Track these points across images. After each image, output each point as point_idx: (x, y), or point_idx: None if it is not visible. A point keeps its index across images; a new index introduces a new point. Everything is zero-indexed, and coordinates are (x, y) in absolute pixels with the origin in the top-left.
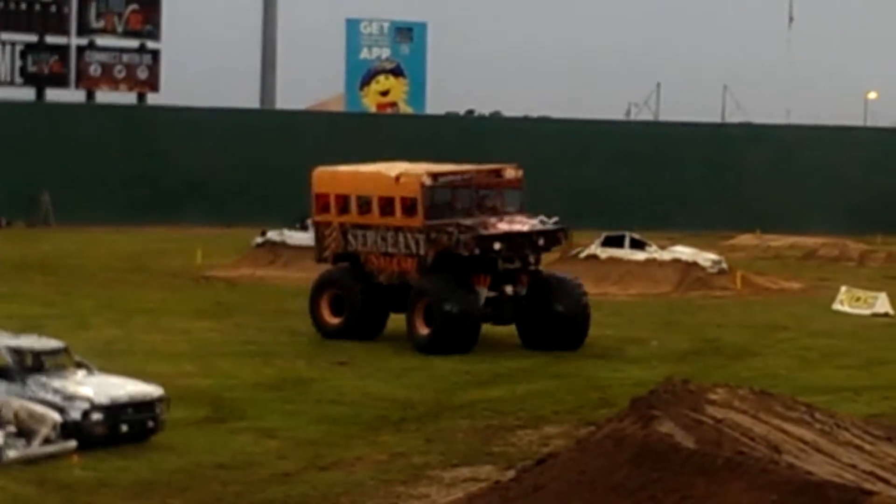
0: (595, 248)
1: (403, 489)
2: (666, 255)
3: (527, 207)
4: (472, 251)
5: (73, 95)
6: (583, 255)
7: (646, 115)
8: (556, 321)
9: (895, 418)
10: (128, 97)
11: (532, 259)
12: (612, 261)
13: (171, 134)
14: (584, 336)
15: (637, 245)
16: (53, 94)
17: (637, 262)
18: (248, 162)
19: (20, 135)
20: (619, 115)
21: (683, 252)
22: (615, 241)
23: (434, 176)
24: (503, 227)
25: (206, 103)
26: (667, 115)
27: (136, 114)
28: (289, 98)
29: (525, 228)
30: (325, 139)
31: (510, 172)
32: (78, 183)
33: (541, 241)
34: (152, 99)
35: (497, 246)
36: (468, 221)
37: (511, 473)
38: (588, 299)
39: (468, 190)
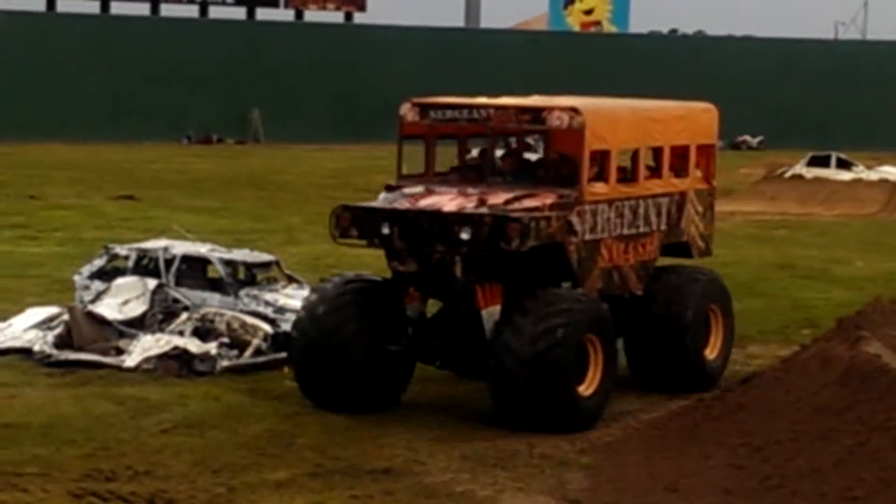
0: (800, 168)
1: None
2: (873, 176)
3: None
4: (347, 233)
5: (282, 14)
6: (788, 174)
7: (853, 34)
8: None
9: None
10: (335, 16)
11: (444, 258)
12: (818, 181)
13: (377, 53)
14: (527, 406)
15: (843, 165)
16: (263, 14)
17: (843, 182)
18: (452, 81)
19: (231, 54)
20: (825, 34)
21: (891, 172)
22: (821, 161)
23: (422, 108)
24: (426, 202)
25: (412, 22)
26: (874, 34)
27: (343, 33)
28: (493, 17)
29: (449, 208)
30: (528, 59)
31: (559, 116)
32: (286, 101)
33: (464, 234)
34: (359, 18)
35: (385, 230)
36: (419, 191)
37: (715, 392)
38: (555, 338)
39: (481, 138)
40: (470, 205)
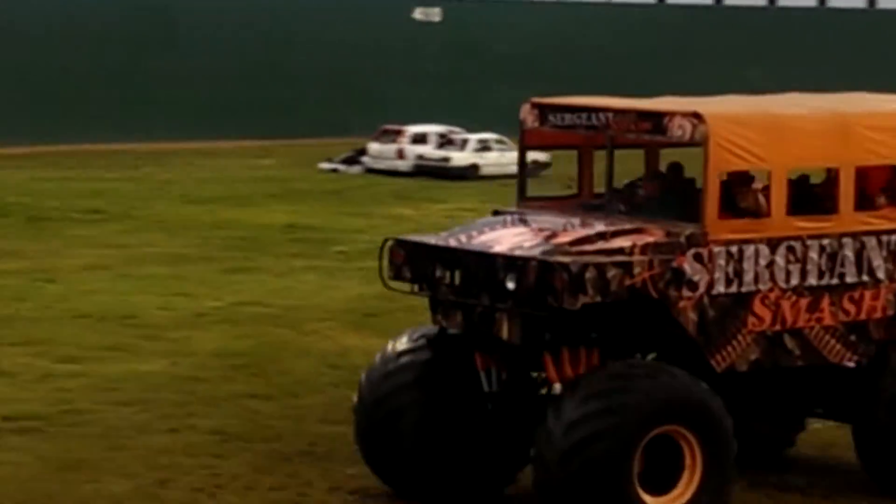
0: None
1: None
2: None
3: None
4: (400, 274)
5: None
6: None
7: None
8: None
9: None
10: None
11: (486, 313)
12: None
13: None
14: None
15: None
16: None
17: None
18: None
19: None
20: None
21: None
22: None
23: (542, 109)
24: (484, 238)
25: None
26: None
27: (866, 17)
28: None
29: (499, 247)
30: None
31: (681, 125)
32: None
33: (509, 282)
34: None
35: (438, 272)
36: (500, 220)
37: None
38: (596, 426)
39: (599, 148)
40: (529, 243)
